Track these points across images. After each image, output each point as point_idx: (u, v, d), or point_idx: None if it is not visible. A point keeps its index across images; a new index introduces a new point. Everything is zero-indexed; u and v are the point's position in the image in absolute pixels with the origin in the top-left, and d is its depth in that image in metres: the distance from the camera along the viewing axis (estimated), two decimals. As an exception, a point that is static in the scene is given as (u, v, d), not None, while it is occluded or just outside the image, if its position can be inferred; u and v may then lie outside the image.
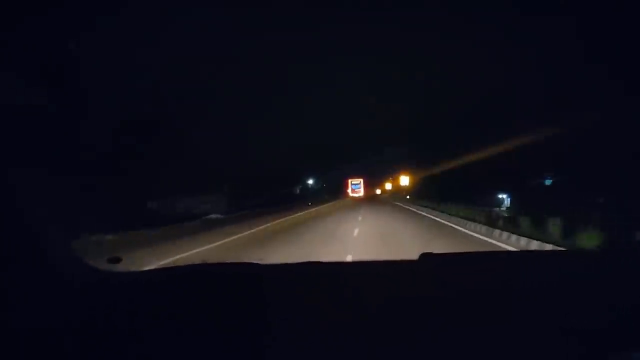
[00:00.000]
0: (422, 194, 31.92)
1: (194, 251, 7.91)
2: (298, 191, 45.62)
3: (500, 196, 25.71)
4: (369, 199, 48.79)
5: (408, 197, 40.50)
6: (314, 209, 24.47)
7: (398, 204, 32.59)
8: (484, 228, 10.68)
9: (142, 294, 1.14)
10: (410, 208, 25.28)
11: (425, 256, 1.42)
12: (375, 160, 64.94)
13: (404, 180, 44.41)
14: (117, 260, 1.65)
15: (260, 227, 12.72)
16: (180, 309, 1.01)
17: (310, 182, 53.33)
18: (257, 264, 1.41)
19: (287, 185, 31.53)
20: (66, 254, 1.14)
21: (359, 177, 63.99)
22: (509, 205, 23.03)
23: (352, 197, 58.18)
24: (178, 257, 7.17)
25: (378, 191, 72.12)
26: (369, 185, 66.53)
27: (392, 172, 58.96)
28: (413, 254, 1.43)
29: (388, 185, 65.91)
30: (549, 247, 6.74)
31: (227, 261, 1.62)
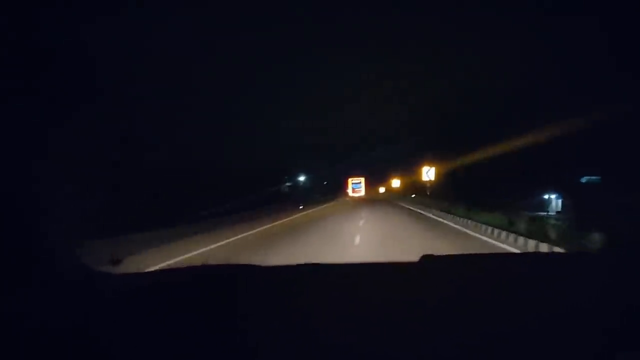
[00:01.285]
0: (441, 194, 23.65)
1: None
2: (287, 190, 39.33)
3: (546, 197, 20.12)
4: (373, 200, 42.23)
5: (413, 195, 34.90)
6: (295, 216, 18.00)
7: (414, 209, 22.01)
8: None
9: (143, 295, 1.15)
10: (432, 216, 16.34)
11: (426, 258, 1.42)
12: (374, 158, 62.92)
13: (428, 173, 28.33)
14: (118, 261, 1.65)
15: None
16: (180, 311, 1.02)
17: (302, 178, 47.47)
18: (258, 266, 1.41)
19: (265, 186, 26.65)
20: (68, 255, 1.17)
21: (359, 176, 61.39)
22: (560, 209, 17.44)
23: (352, 197, 56.23)
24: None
25: (382, 189, 67.62)
26: (370, 184, 63.64)
27: (392, 171, 56.67)
28: None
29: (395, 182, 56.47)
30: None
31: (228, 263, 1.62)
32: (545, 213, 15.15)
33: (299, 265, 1.39)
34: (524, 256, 2.73)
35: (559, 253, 4.84)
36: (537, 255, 2.91)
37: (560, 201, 18.86)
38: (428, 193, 27.77)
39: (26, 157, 1.12)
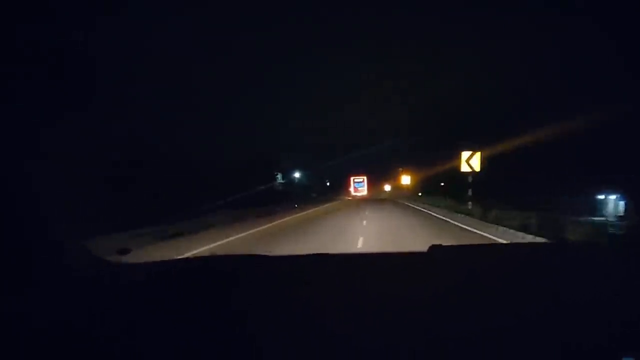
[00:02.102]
0: (493, 196, 15.44)
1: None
2: (280, 187, 34.32)
3: (600, 197, 15.86)
4: (378, 201, 34.80)
5: (420, 194, 33.11)
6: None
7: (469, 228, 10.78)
8: None
9: (150, 284, 1.15)
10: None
11: (434, 248, 1.40)
12: (376, 156, 60.09)
13: (471, 161, 15.89)
14: (126, 251, 1.65)
15: None
16: (188, 300, 1.01)
17: (297, 175, 43.33)
18: (266, 255, 1.39)
19: (258, 184, 23.71)
20: (76, 247, 1.16)
21: (361, 175, 57.79)
22: (623, 213, 13.45)
23: (355, 196, 53.32)
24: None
25: (387, 187, 60.81)
26: (372, 183, 59.61)
27: (396, 168, 52.30)
28: None
29: (405, 179, 47.14)
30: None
31: (236, 253, 1.62)
32: (604, 218, 11.53)
33: (308, 256, 1.37)
34: (533, 246, 2.69)
35: (569, 244, 4.79)
36: (546, 245, 2.87)
37: (623, 203, 14.05)
38: (469, 193, 16.34)
39: (26, 157, 1.12)
